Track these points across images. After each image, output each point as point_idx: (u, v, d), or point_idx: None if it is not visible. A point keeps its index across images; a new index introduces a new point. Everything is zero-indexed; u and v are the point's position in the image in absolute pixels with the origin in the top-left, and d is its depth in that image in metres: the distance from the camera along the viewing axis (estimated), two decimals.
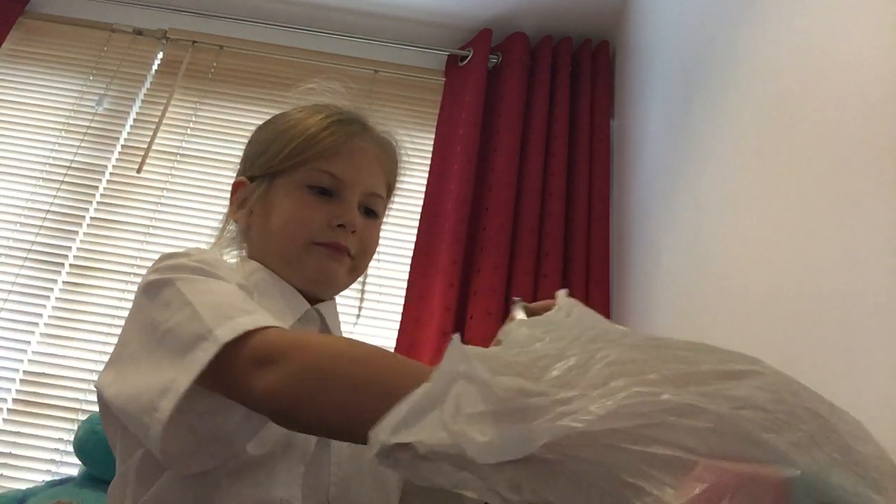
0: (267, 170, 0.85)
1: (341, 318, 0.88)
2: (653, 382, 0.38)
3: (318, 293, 0.83)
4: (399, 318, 1.97)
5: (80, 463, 1.62)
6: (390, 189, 0.91)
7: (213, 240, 0.91)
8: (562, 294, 0.60)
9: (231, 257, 0.90)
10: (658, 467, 0.36)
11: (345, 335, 0.89)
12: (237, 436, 0.63)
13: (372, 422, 0.45)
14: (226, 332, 0.57)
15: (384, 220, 0.91)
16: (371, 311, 1.91)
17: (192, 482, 0.66)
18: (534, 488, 0.39)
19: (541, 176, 2.13)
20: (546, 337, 0.45)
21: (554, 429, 0.37)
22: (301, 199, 0.82)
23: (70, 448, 1.73)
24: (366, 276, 0.92)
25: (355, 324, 0.90)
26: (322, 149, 0.83)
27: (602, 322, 0.49)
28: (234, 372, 0.56)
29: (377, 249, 0.90)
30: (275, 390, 0.54)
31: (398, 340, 1.93)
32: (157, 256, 0.73)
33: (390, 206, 0.93)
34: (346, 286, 0.86)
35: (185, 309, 0.60)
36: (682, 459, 0.35)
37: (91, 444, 1.56)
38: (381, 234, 0.90)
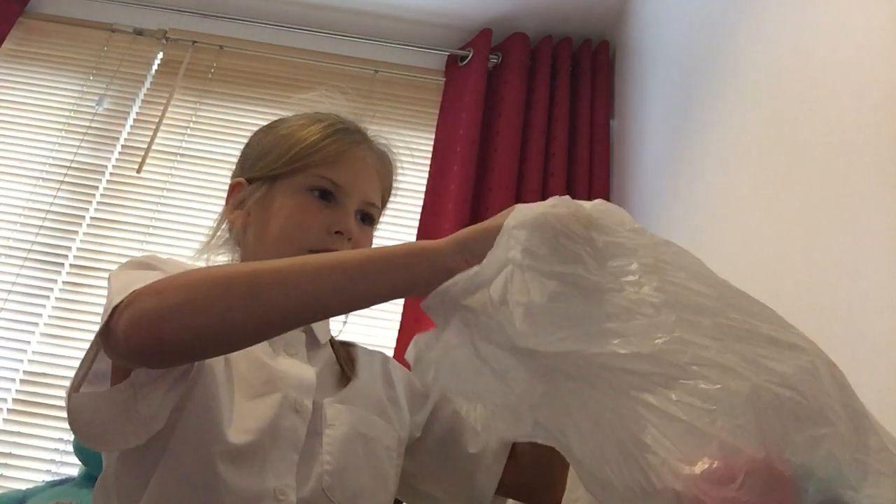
0: (267, 173, 0.86)
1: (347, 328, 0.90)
2: (704, 331, 0.37)
3: None
4: (399, 318, 1.97)
5: (80, 463, 1.62)
6: (385, 200, 0.93)
7: (205, 241, 0.92)
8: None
9: (225, 259, 0.90)
10: (676, 431, 0.35)
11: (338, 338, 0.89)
12: (160, 412, 0.64)
13: (227, 332, 0.54)
14: (118, 300, 0.59)
15: (376, 229, 0.92)
16: (371, 312, 1.91)
17: (189, 478, 0.67)
18: (553, 420, 0.38)
19: (541, 176, 2.13)
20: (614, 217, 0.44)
21: (591, 346, 0.37)
22: (301, 201, 0.83)
23: (70, 448, 1.73)
24: None
25: (341, 331, 0.91)
26: (324, 156, 0.85)
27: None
28: (110, 329, 0.59)
29: None
30: (126, 329, 0.56)
31: (398, 341, 1.93)
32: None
33: (383, 216, 0.94)
34: None
35: (107, 298, 0.63)
36: (701, 431, 0.34)
37: None
38: (381, 233, 0.91)
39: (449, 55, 2.42)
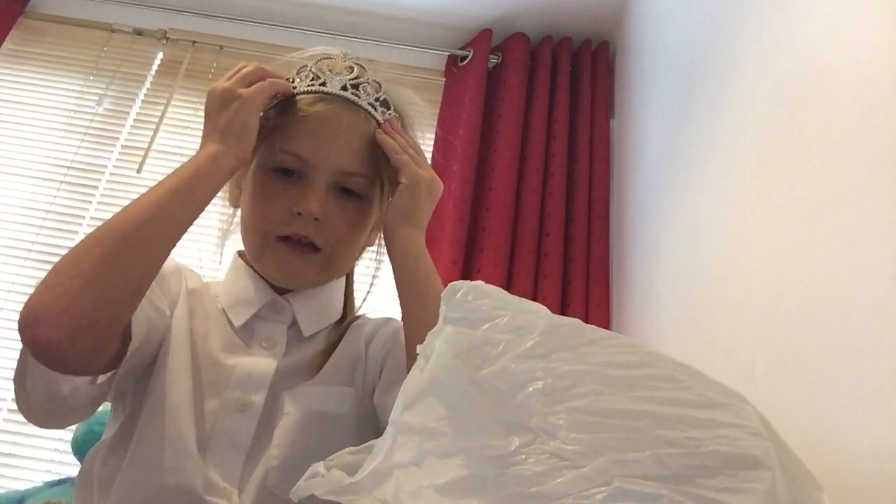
0: None
1: None
2: (640, 469, 0.31)
3: (290, 287, 0.81)
4: (400, 318, 1.96)
5: (78, 463, 1.62)
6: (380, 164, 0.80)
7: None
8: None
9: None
10: None
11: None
12: (72, 401, 0.68)
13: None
14: None
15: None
16: (370, 312, 1.90)
17: (153, 468, 0.67)
18: None
19: (541, 175, 2.13)
20: (502, 339, 0.39)
21: None
22: (263, 181, 0.77)
23: (69, 448, 1.73)
24: (377, 267, 0.88)
25: (358, 307, 0.88)
26: (283, 123, 0.77)
27: (539, 317, 0.42)
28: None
29: (368, 239, 0.84)
30: (20, 320, 0.59)
31: None
32: None
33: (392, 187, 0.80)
34: (319, 283, 0.82)
35: None
36: None
37: (88, 444, 1.55)
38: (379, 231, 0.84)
39: (449, 55, 2.42)
